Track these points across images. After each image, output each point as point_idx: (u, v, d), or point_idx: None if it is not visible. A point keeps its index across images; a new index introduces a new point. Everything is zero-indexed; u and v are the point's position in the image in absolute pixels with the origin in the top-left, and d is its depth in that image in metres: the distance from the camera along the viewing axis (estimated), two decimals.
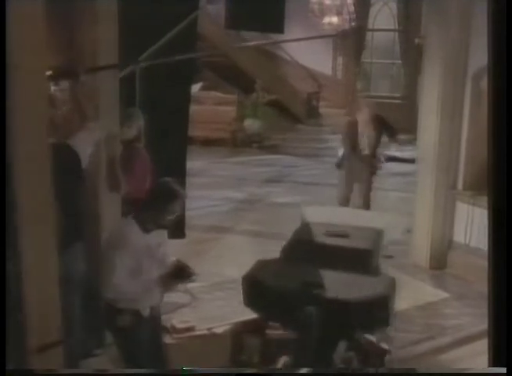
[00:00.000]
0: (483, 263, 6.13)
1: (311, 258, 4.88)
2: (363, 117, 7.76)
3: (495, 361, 2.68)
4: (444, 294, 6.47)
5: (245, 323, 5.15)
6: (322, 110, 15.36)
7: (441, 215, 6.97)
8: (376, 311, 4.56)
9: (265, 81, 14.22)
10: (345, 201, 7.83)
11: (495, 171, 2.66)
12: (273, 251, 6.92)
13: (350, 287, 4.64)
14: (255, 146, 13.78)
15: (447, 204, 6.96)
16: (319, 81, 15.44)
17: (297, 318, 4.46)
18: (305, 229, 5.36)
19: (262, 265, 5.01)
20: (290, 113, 14.91)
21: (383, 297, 4.61)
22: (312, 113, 14.97)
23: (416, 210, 7.24)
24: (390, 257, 6.43)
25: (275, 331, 4.97)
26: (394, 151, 11.80)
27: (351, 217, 5.85)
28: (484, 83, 6.71)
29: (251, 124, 14.07)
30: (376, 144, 7.82)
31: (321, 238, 5.12)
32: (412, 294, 6.26)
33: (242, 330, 5.11)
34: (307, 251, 4.98)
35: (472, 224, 6.73)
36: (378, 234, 5.29)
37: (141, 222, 3.97)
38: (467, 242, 6.82)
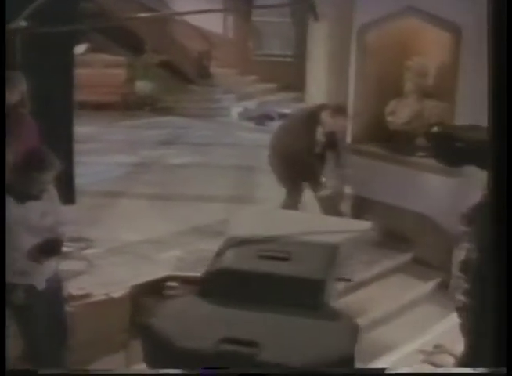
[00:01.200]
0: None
1: (239, 295, 3.56)
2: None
3: (495, 361, 2.67)
4: None
5: (142, 285, 5.15)
6: (213, 70, 15.25)
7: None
8: None
9: (155, 42, 13.96)
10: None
11: (495, 170, 2.69)
12: (170, 212, 7.07)
13: (294, 341, 3.26)
14: (147, 108, 13.55)
15: None
16: (210, 39, 15.30)
17: None
18: (231, 249, 3.93)
19: (167, 308, 3.73)
20: (181, 73, 14.73)
21: (343, 358, 3.14)
22: (203, 73, 14.83)
23: None
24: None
25: (172, 291, 4.99)
26: (284, 108, 12.04)
27: (299, 226, 4.33)
28: (368, 37, 6.87)
29: (143, 87, 13.82)
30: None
31: (252, 263, 3.74)
32: None
33: (139, 293, 5.10)
34: (232, 283, 3.65)
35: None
36: (332, 252, 3.93)
37: (12, 192, 3.80)
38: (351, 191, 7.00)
